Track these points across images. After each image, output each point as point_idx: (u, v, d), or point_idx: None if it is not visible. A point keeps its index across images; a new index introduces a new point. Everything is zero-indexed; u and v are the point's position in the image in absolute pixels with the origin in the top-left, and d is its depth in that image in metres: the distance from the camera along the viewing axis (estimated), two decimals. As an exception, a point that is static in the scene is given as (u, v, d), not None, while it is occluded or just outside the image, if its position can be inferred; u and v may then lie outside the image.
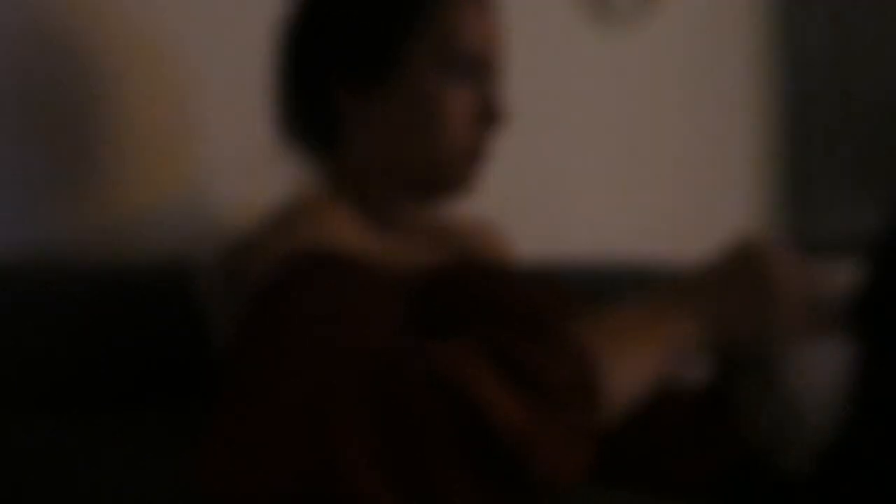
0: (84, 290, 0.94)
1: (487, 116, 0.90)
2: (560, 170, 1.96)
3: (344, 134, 0.92)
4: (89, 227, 1.09)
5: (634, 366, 0.66)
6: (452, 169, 0.90)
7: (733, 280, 0.73)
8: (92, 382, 0.92)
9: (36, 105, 1.05)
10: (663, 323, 0.70)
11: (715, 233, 2.54)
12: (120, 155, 1.13)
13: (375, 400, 0.54)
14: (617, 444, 0.75)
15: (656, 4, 2.16)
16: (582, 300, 0.93)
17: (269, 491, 0.50)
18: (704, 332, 0.71)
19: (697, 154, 2.38)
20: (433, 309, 0.78)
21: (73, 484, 0.82)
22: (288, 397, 0.54)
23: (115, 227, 1.12)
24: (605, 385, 0.62)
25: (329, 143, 0.94)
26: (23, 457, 0.83)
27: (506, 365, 0.58)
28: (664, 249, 2.11)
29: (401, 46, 0.88)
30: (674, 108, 2.31)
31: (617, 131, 2.11)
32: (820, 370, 0.77)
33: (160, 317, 0.96)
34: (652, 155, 2.22)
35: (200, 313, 0.91)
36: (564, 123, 1.97)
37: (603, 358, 0.63)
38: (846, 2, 2.58)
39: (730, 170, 2.57)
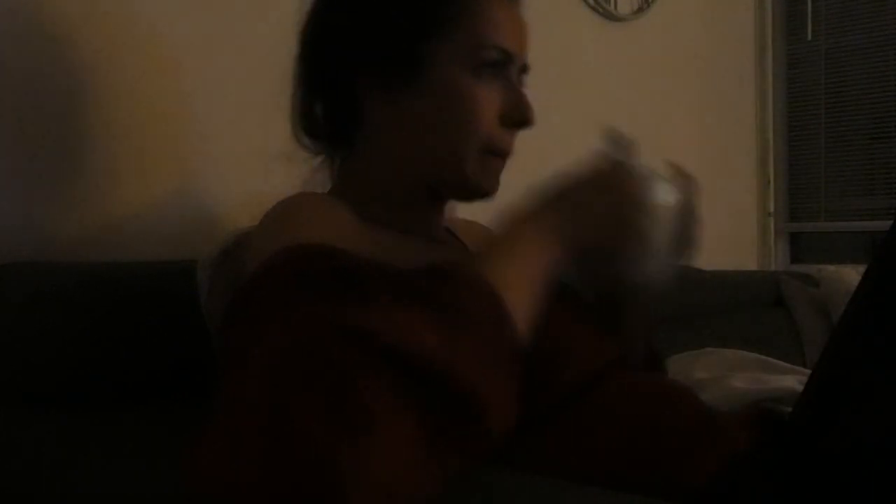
0: (84, 289, 0.94)
1: (515, 117, 0.88)
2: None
3: (365, 133, 0.91)
4: (89, 227, 1.09)
5: (523, 288, 0.69)
6: (478, 167, 0.88)
7: (588, 194, 0.77)
8: (92, 382, 0.92)
9: (36, 105, 1.05)
10: (531, 250, 0.73)
11: (715, 234, 2.54)
12: (120, 155, 1.13)
13: (314, 367, 0.54)
14: (615, 443, 0.74)
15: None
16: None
17: (247, 489, 0.49)
18: (569, 245, 0.75)
19: (699, 154, 2.38)
20: None
21: (74, 484, 0.82)
22: (254, 391, 0.53)
23: (115, 227, 1.12)
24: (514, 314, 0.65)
25: (348, 143, 0.93)
26: (23, 457, 0.83)
27: (422, 302, 0.60)
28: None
29: (429, 43, 0.86)
30: (676, 107, 2.31)
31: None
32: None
33: (160, 316, 0.96)
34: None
35: (200, 312, 0.91)
36: (565, 124, 1.97)
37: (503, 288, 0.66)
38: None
39: (731, 171, 2.58)
